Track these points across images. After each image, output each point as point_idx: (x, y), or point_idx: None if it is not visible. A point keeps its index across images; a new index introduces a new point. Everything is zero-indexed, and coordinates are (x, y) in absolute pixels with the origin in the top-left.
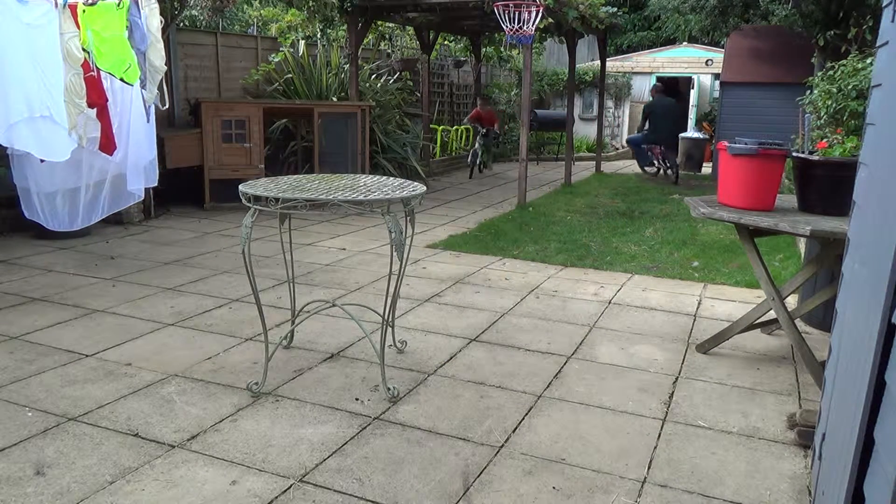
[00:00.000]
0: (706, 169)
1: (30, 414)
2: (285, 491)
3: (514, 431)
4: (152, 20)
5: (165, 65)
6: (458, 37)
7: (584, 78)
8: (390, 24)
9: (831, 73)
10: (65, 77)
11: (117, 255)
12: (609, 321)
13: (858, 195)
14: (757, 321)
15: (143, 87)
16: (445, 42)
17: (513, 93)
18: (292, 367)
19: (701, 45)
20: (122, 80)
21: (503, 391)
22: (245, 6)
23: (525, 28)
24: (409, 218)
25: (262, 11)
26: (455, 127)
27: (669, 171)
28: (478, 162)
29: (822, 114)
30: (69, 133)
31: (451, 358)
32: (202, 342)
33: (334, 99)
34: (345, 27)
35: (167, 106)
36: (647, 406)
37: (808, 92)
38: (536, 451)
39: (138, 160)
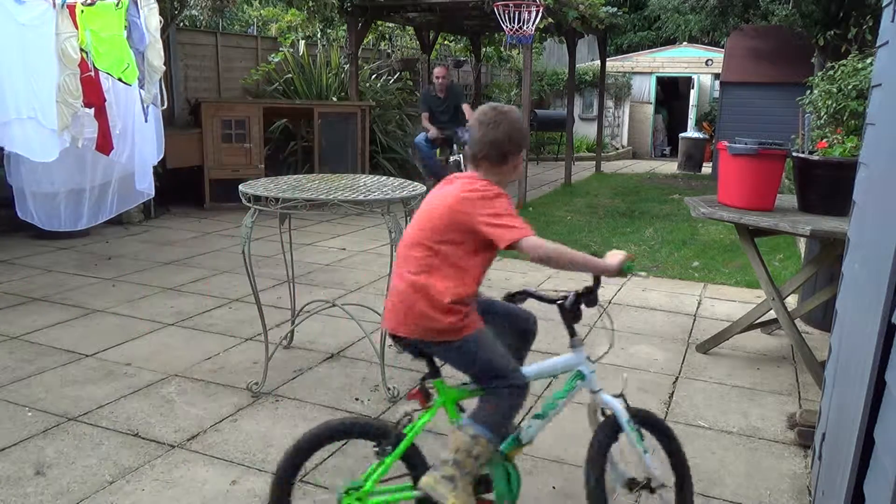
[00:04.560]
0: (706, 169)
1: (30, 414)
2: None
3: None
4: (151, 20)
5: (164, 65)
6: (458, 37)
7: (584, 78)
8: (390, 24)
9: (831, 73)
10: (59, 77)
11: (117, 255)
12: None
13: (858, 195)
14: (757, 321)
15: (141, 87)
16: (445, 42)
17: (513, 93)
18: (292, 367)
19: (701, 45)
20: (120, 79)
21: None
22: (245, 6)
23: (525, 28)
24: (409, 218)
25: (262, 11)
26: None
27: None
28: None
29: (822, 114)
30: (61, 133)
31: None
32: (202, 342)
33: (334, 99)
34: (345, 27)
35: (165, 106)
36: (648, 406)
37: (808, 92)
38: (536, 451)
39: (146, 159)
